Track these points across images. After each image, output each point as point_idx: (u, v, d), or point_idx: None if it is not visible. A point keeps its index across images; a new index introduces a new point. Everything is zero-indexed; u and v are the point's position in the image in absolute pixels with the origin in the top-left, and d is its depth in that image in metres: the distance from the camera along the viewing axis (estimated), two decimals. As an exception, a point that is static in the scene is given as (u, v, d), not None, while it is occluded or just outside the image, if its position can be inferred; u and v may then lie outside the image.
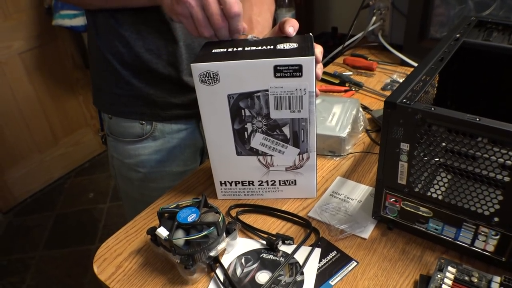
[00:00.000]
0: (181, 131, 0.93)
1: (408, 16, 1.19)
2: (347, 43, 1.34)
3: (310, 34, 0.68)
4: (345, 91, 1.10)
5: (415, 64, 1.16)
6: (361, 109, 0.92)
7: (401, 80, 1.11)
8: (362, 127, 0.90)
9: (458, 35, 0.75)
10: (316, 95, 0.68)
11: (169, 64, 0.83)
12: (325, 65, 1.32)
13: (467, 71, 0.77)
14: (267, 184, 0.74)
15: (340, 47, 1.34)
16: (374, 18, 1.28)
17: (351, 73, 1.21)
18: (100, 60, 0.86)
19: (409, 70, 1.18)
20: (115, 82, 0.86)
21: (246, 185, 0.74)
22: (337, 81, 1.14)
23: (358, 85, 1.12)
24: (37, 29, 2.29)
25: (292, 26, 0.67)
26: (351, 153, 0.86)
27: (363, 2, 1.30)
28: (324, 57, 1.34)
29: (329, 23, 1.81)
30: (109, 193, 2.46)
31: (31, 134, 2.42)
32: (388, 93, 1.08)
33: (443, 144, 0.55)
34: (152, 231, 0.63)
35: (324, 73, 1.18)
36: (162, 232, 0.61)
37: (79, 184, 2.60)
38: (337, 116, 0.87)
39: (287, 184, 0.73)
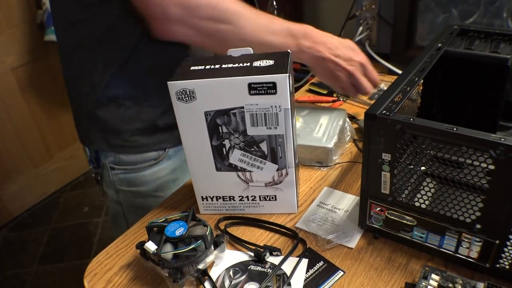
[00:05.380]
0: None
1: (394, 25, 1.21)
2: (335, 53, 1.35)
3: (288, 50, 0.69)
4: (333, 101, 1.12)
5: (402, 73, 1.17)
6: (347, 119, 0.93)
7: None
8: (349, 137, 0.91)
9: (440, 44, 0.76)
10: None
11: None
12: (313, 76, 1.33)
13: (451, 79, 0.79)
14: (248, 199, 0.74)
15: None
16: (361, 28, 1.30)
17: (339, 82, 1.22)
18: (105, 102, 0.84)
19: (396, 79, 1.19)
20: (126, 118, 0.85)
21: (227, 200, 0.75)
22: (325, 92, 1.15)
23: (346, 95, 1.13)
24: (30, 45, 2.30)
25: None
26: (338, 163, 0.86)
27: (349, 13, 1.32)
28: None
29: (319, 33, 1.82)
30: (104, 207, 2.45)
31: (25, 149, 2.42)
32: (375, 102, 1.09)
33: (424, 153, 0.56)
34: (141, 246, 0.64)
35: (312, 84, 1.19)
36: (151, 246, 0.62)
37: (74, 198, 2.60)
38: (324, 127, 0.87)
39: (268, 199, 0.73)
